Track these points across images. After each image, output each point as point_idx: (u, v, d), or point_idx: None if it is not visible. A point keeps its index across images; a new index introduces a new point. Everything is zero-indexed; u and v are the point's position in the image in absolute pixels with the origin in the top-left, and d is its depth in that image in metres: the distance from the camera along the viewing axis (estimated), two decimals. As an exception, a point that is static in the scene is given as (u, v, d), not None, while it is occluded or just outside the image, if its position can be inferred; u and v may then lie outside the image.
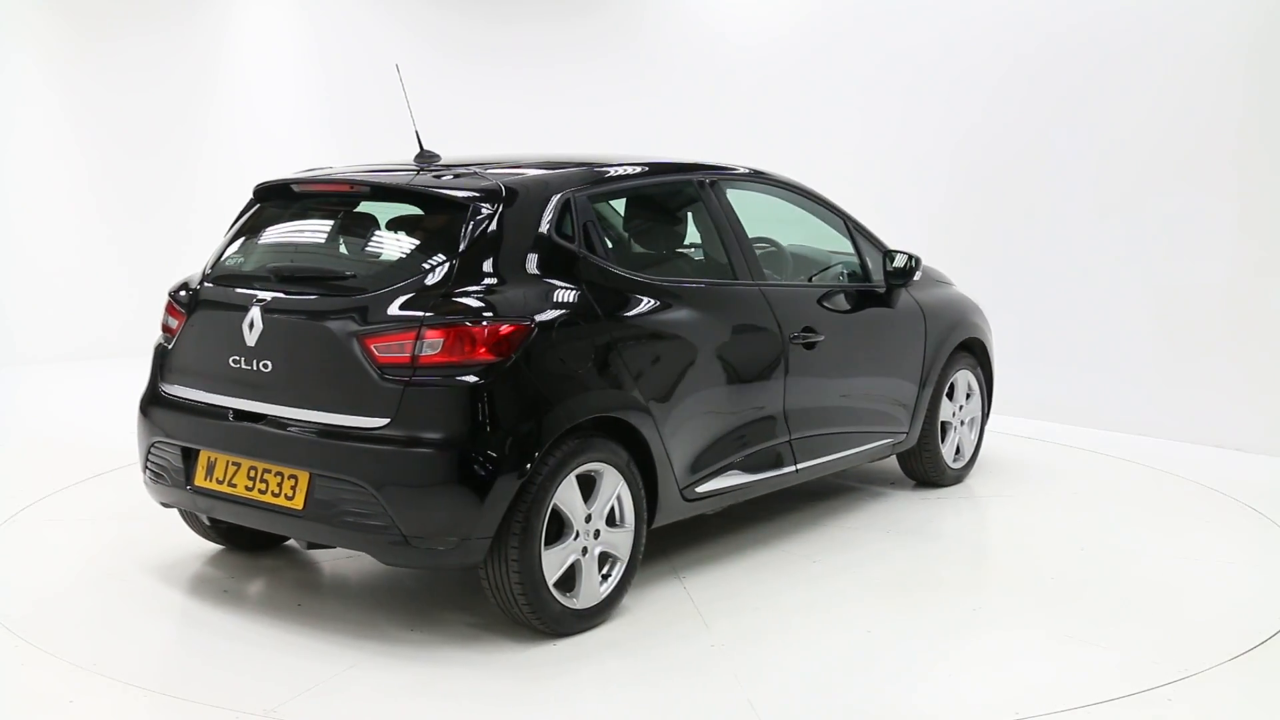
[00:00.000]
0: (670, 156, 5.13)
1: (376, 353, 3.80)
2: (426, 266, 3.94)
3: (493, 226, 3.99)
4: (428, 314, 3.79)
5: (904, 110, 8.46)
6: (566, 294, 4.08)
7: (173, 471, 4.36)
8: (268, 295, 4.13)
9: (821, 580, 4.68)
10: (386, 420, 3.78)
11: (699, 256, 5.05)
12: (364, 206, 4.40)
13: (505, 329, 3.82)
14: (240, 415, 4.12)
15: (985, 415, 6.21)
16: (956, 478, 6.04)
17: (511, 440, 3.78)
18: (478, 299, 3.86)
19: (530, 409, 3.85)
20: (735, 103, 9.41)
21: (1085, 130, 7.51)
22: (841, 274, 5.49)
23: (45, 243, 10.08)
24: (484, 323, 3.81)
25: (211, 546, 5.00)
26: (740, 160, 5.59)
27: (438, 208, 4.14)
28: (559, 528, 3.99)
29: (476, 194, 4.07)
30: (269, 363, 4.05)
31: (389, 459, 3.77)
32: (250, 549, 4.92)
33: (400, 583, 4.64)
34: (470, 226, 3.99)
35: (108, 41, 10.34)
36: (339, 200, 4.43)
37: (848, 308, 5.29)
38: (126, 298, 9.99)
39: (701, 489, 4.53)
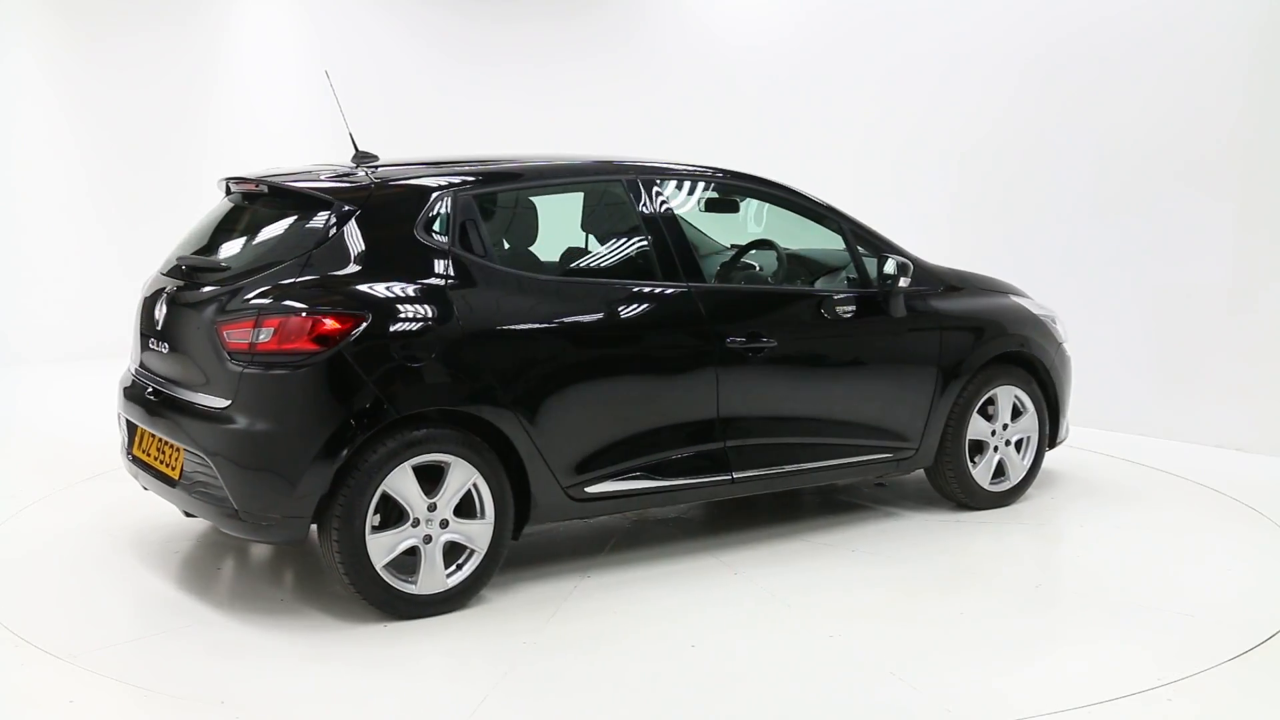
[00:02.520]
0: (647, 156, 5.11)
1: (227, 339, 4.10)
2: (284, 261, 4.18)
3: (352, 224, 4.22)
4: (265, 304, 4.05)
5: (903, 112, 8.46)
6: (419, 289, 4.20)
7: (126, 442, 4.83)
8: (175, 284, 4.52)
9: (717, 590, 4.54)
10: (229, 402, 4.09)
11: (615, 256, 5.05)
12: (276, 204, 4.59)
13: (330, 320, 4.02)
14: (155, 392, 4.53)
15: (1049, 436, 5.75)
16: (996, 501, 5.58)
17: (327, 428, 4.00)
18: (315, 291, 4.07)
19: (352, 399, 4.03)
20: (735, 103, 9.42)
21: (1085, 131, 7.51)
22: (845, 279, 5.29)
23: (44, 243, 10.08)
24: (311, 314, 4.01)
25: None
26: (739, 161, 5.59)
27: (310, 206, 4.35)
28: (400, 513, 4.17)
29: (343, 193, 4.32)
30: (166, 345, 4.47)
31: (223, 437, 4.08)
32: None
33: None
34: (331, 223, 4.22)
35: (107, 40, 10.34)
36: (250, 198, 4.70)
37: (823, 313, 5.07)
38: (125, 297, 9.98)
39: (594, 490, 4.51)
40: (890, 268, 5.14)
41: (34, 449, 7.04)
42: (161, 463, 4.46)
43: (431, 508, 4.19)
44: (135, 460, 4.69)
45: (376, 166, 4.62)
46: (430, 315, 4.18)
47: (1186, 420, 7.09)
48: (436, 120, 10.40)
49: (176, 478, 4.33)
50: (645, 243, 4.79)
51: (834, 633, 4.13)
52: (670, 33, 9.87)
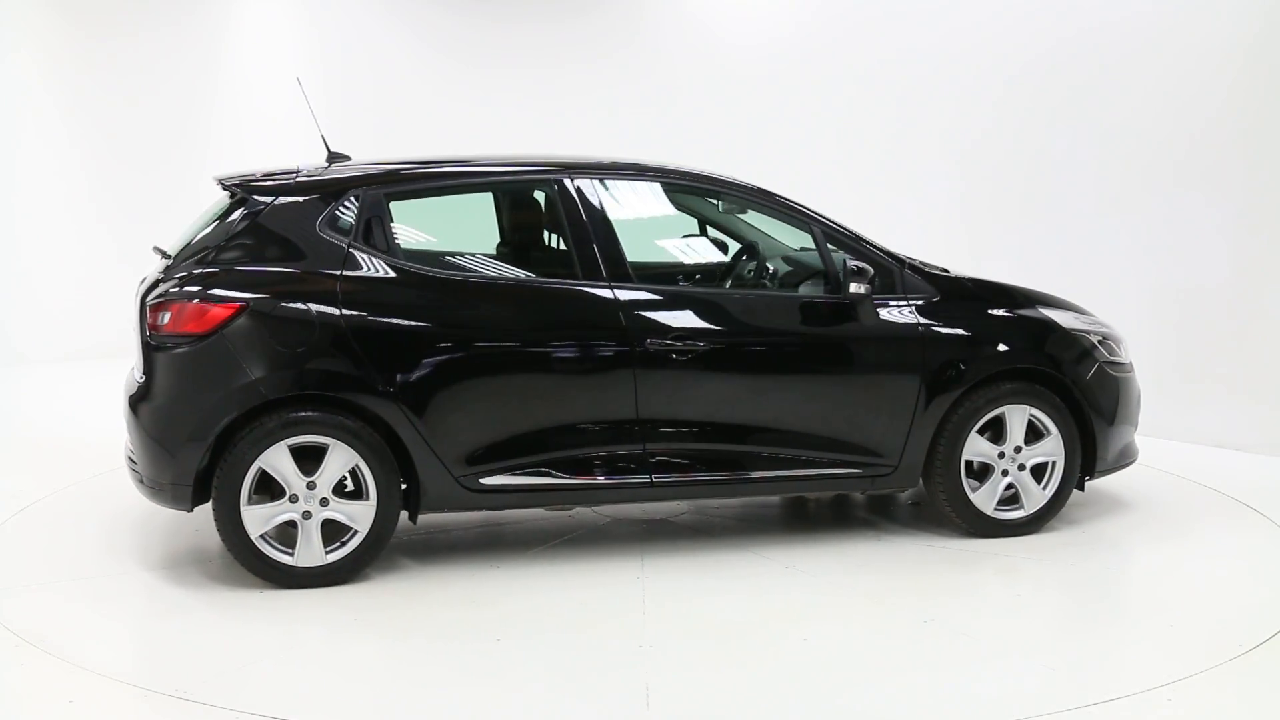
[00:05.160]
0: (609, 156, 5.16)
1: (148, 321, 4.52)
2: (204, 251, 4.57)
3: (259, 219, 4.59)
4: (172, 290, 4.48)
5: (905, 112, 8.46)
6: (307, 281, 4.51)
7: None
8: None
9: (598, 591, 4.54)
10: (145, 378, 4.53)
11: (535, 254, 5.10)
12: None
13: (209, 306, 4.42)
14: (133, 369, 4.84)
15: (1084, 463, 5.20)
16: (1006, 530, 5.13)
17: (203, 404, 4.40)
18: (208, 279, 4.48)
19: (227, 379, 4.40)
20: (737, 103, 9.41)
21: (1085, 131, 7.51)
22: (820, 284, 5.02)
23: (46, 242, 10.08)
24: (196, 299, 4.43)
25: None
26: (741, 163, 5.57)
27: (235, 202, 4.71)
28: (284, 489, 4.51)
29: (261, 190, 4.66)
30: (135, 329, 4.77)
31: (137, 409, 4.54)
32: None
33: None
34: (242, 217, 4.61)
35: (108, 41, 10.35)
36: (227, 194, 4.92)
37: (771, 318, 4.91)
38: (127, 297, 9.99)
39: (489, 482, 4.63)
40: (850, 273, 4.87)
41: (35, 448, 7.04)
42: None
43: (311, 486, 4.46)
44: None
45: (330, 168, 4.87)
46: (312, 306, 4.47)
47: (1186, 420, 7.09)
48: (436, 122, 10.40)
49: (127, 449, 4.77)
50: (569, 242, 4.82)
51: (645, 643, 4.03)
52: (671, 33, 9.87)
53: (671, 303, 4.81)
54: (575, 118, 10.13)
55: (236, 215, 4.62)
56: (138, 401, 4.54)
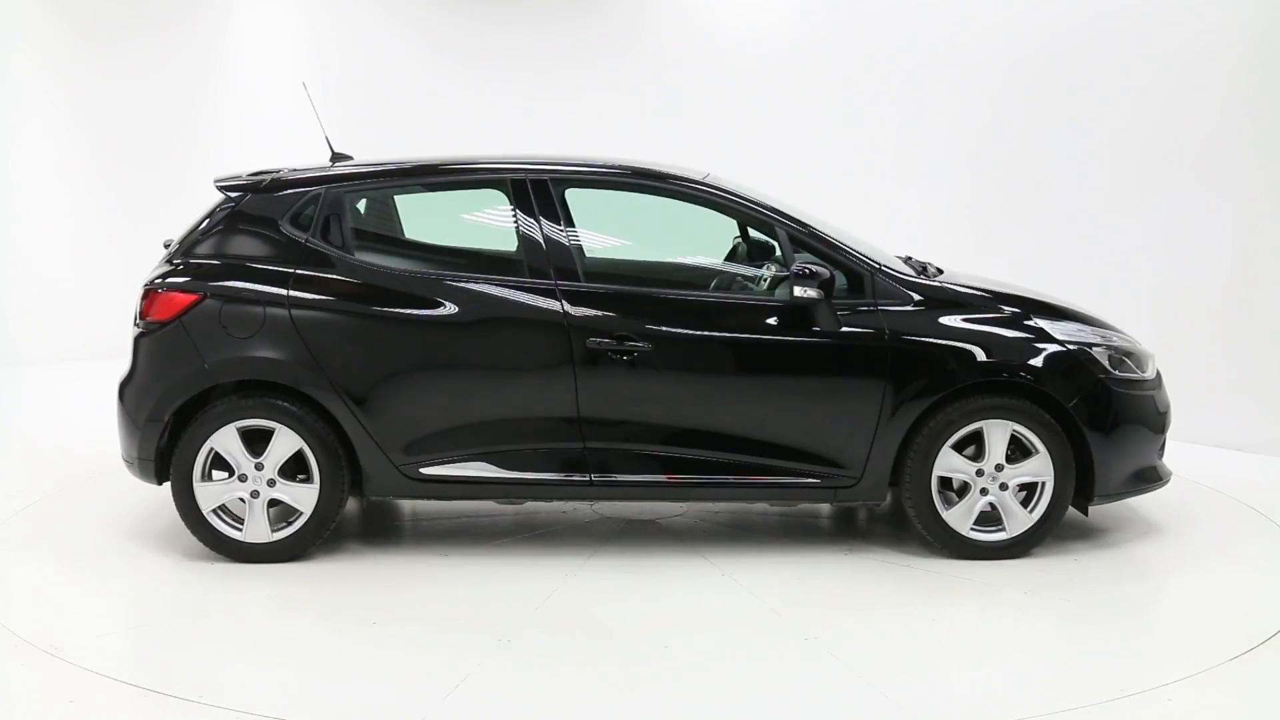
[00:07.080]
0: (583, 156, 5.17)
1: (139, 310, 4.87)
2: (188, 244, 4.92)
3: (229, 214, 4.92)
4: (152, 280, 4.86)
5: (906, 111, 8.46)
6: (263, 275, 4.79)
7: None
8: None
9: (515, 585, 4.56)
10: (130, 362, 4.88)
11: (484, 253, 5.20)
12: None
13: (173, 295, 4.77)
14: None
15: (1085, 486, 4.87)
16: (983, 551, 4.85)
17: (160, 387, 4.75)
18: (178, 270, 4.84)
19: (182, 364, 4.73)
20: (737, 103, 9.41)
21: (1084, 131, 7.51)
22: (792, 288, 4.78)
23: (46, 243, 10.09)
24: (162, 290, 4.79)
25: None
26: (744, 166, 5.56)
27: (220, 200, 4.99)
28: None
29: (235, 188, 4.96)
30: None
31: (119, 391, 4.89)
32: None
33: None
34: (221, 213, 4.93)
35: (108, 42, 10.36)
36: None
37: (721, 320, 4.81)
38: (126, 297, 10.00)
39: (429, 471, 4.80)
40: (798, 277, 4.69)
41: (36, 447, 7.05)
42: None
43: (259, 467, 4.76)
44: None
45: (322, 168, 5.05)
46: (264, 297, 4.74)
47: (1186, 420, 7.08)
48: (437, 124, 10.40)
49: None
50: (519, 241, 4.85)
51: (506, 639, 4.05)
52: (673, 34, 9.86)
53: (615, 303, 4.77)
54: (576, 119, 10.12)
55: (217, 212, 4.93)
56: (122, 384, 4.88)
